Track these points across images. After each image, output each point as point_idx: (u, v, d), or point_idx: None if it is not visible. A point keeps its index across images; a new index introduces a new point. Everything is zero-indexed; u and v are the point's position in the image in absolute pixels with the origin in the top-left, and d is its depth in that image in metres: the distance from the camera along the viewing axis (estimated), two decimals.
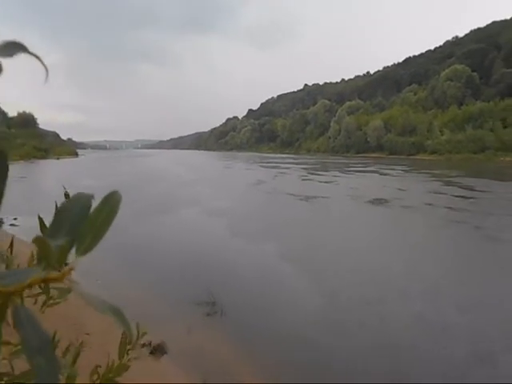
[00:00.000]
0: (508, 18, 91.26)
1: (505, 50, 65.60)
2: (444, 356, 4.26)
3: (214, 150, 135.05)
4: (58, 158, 54.86)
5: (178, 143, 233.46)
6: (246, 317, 5.22)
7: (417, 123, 64.53)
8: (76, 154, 71.98)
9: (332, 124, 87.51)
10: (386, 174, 28.73)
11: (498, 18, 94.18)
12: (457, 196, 16.01)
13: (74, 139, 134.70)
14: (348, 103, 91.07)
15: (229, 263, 7.66)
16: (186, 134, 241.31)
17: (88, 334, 4.05)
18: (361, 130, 76.90)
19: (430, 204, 13.97)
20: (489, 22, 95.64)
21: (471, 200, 15.05)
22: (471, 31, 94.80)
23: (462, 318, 5.17)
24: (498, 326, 4.92)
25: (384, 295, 5.89)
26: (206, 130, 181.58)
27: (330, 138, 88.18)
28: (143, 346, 4.07)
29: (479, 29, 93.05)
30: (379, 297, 5.87)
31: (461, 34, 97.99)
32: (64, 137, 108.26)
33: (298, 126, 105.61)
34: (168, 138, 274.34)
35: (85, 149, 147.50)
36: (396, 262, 7.76)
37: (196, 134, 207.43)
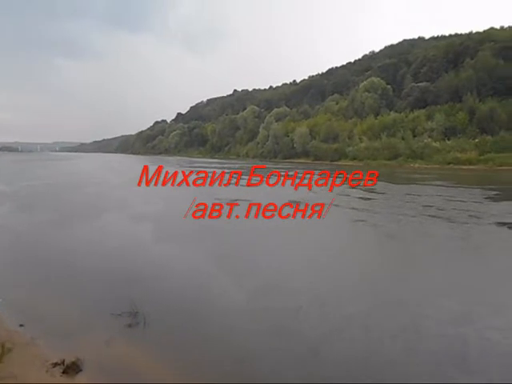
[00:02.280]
0: (416, 37, 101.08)
1: (414, 66, 71.84)
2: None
3: (141, 154, 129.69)
4: None
5: (102, 146, 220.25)
6: (169, 325, 5.06)
7: (339, 131, 67.85)
8: None
9: (261, 130, 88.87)
10: (306, 178, 29.99)
11: (408, 37, 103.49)
12: (360, 198, 17.82)
13: None
14: (276, 110, 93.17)
15: (154, 270, 7.43)
16: (111, 136, 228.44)
17: None
18: (288, 136, 78.96)
19: (337, 205, 15.32)
20: (400, 39, 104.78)
21: (371, 201, 16.91)
22: (385, 47, 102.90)
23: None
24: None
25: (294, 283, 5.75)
26: (133, 133, 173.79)
27: (258, 143, 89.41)
28: (55, 365, 3.80)
29: (392, 45, 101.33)
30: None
31: (377, 49, 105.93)
32: None
33: (228, 131, 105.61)
34: (91, 141, 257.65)
35: None
36: (300, 255, 8.61)
37: (122, 136, 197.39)
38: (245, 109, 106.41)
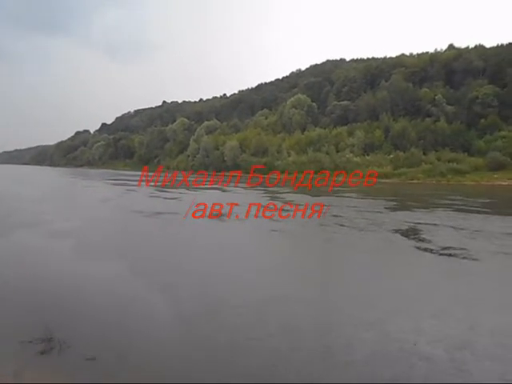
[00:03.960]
0: (338, 58, 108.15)
1: (336, 85, 76.50)
2: None
3: (60, 166, 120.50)
4: None
5: (13, 157, 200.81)
6: (87, 350, 4.60)
7: (268, 145, 69.43)
8: None
9: (191, 142, 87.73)
10: (227, 191, 30.84)
11: (331, 58, 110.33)
12: (277, 209, 19.01)
13: None
14: (206, 123, 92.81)
15: (72, 289, 6.90)
16: (24, 146, 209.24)
17: None
18: (218, 149, 78.86)
19: (257, 216, 16.36)
20: (324, 59, 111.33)
21: (287, 212, 18.14)
22: (311, 66, 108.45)
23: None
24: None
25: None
26: (51, 143, 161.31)
27: (189, 156, 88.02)
28: None
29: (317, 65, 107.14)
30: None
31: (303, 68, 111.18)
32: None
33: (157, 143, 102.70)
34: (0, 151, 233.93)
35: None
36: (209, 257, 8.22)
37: (38, 147, 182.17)
38: (174, 121, 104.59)
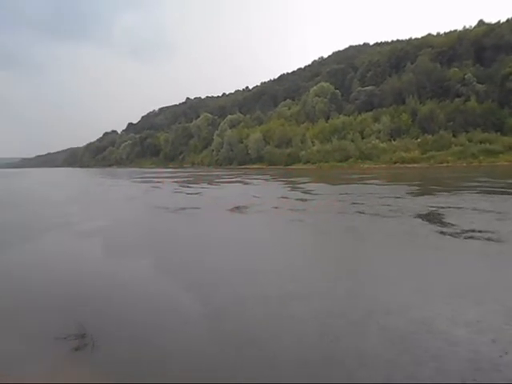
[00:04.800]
0: (361, 43, 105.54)
1: (360, 70, 74.64)
2: None
3: (90, 167, 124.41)
4: None
5: (47, 160, 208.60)
6: (119, 346, 4.69)
7: (292, 135, 68.80)
8: None
9: (215, 137, 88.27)
10: (248, 184, 30.55)
11: (354, 43, 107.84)
12: (297, 199, 18.84)
13: None
14: (229, 117, 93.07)
15: (102, 287, 6.99)
16: (56, 150, 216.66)
17: None
18: (242, 142, 78.93)
19: (276, 207, 16.22)
20: (346, 45, 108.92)
21: (308, 202, 17.97)
22: (333, 53, 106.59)
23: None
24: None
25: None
26: (81, 145, 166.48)
27: (213, 150, 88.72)
28: None
29: (339, 51, 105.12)
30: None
31: (325, 55, 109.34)
32: None
33: (181, 140, 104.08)
34: (34, 155, 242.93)
35: None
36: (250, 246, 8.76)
37: (69, 149, 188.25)
38: (198, 117, 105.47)
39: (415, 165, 44.22)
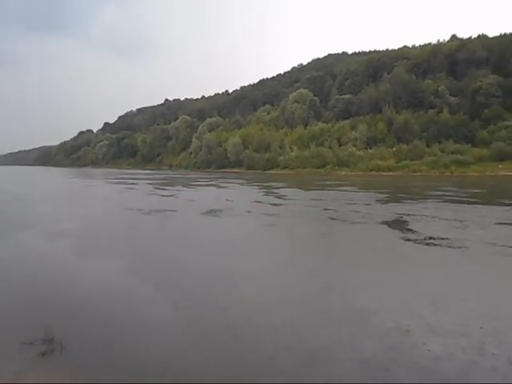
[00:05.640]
0: (340, 52, 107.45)
1: (338, 78, 75.93)
2: None
3: (64, 166, 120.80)
4: None
5: (18, 158, 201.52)
6: (88, 350, 4.62)
7: (271, 140, 69.04)
8: None
9: (193, 140, 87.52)
10: (223, 187, 30.84)
11: (333, 52, 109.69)
12: (271, 204, 19.32)
13: None
14: (208, 120, 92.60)
15: (72, 290, 6.83)
16: (28, 147, 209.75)
17: None
18: (221, 146, 78.65)
19: (249, 211, 16.54)
20: (326, 53, 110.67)
21: (280, 206, 18.54)
22: (312, 60, 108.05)
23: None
24: None
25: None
26: (55, 143, 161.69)
27: (191, 153, 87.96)
28: None
29: (319, 59, 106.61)
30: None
31: (304, 62, 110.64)
32: None
33: (159, 141, 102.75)
34: (4, 153, 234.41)
35: None
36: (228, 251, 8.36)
37: (42, 147, 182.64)
38: (177, 118, 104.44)
39: (390, 173, 45.29)
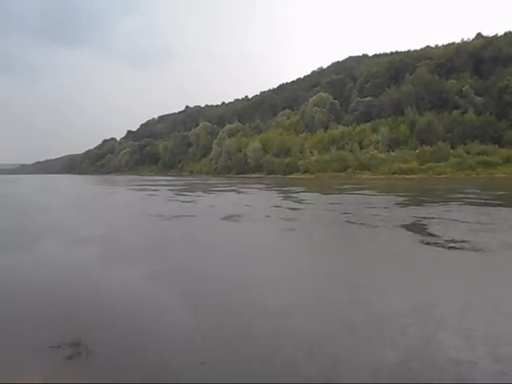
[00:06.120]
0: (361, 54, 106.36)
1: (359, 81, 75.08)
2: None
3: (89, 174, 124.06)
4: None
5: (45, 167, 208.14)
6: (113, 355, 4.67)
7: (290, 145, 68.89)
8: None
9: (214, 146, 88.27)
10: (243, 193, 30.76)
11: (353, 54, 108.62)
12: (289, 208, 19.14)
13: None
14: (228, 126, 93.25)
15: (97, 296, 6.92)
16: (55, 156, 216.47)
17: None
18: (241, 151, 79.01)
19: (268, 216, 16.49)
20: (346, 56, 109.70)
21: (299, 211, 18.33)
22: (332, 63, 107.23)
23: None
24: None
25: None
26: (80, 152, 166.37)
27: (212, 159, 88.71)
28: None
29: (338, 62, 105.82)
30: None
31: (324, 66, 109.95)
32: None
33: (180, 148, 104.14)
34: (33, 162, 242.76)
35: None
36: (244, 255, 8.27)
37: (68, 156, 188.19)
38: (197, 125, 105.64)
39: (413, 176, 44.22)
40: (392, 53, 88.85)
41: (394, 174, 47.51)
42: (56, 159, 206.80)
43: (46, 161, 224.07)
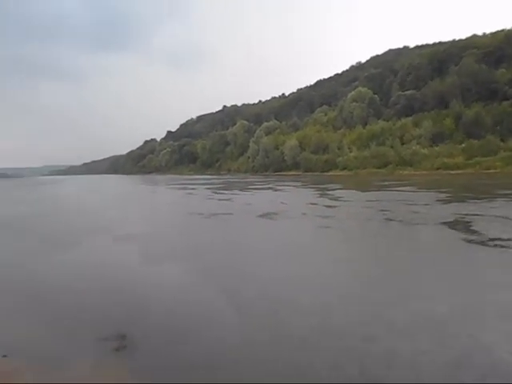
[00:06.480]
0: (401, 46, 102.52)
1: (400, 74, 72.41)
2: None
3: (132, 174, 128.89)
4: None
5: (92, 168, 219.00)
6: (158, 348, 4.89)
7: (328, 142, 67.81)
8: None
9: (251, 144, 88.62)
10: (279, 190, 30.64)
11: (393, 47, 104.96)
12: (326, 205, 18.90)
13: None
14: (265, 124, 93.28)
15: (142, 291, 7.18)
16: (100, 157, 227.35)
17: None
18: (278, 149, 78.79)
19: (304, 214, 16.34)
20: (386, 49, 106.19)
21: (335, 208, 18.07)
22: (371, 57, 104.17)
23: None
24: None
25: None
26: (123, 153, 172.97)
27: (249, 157, 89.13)
28: None
29: (378, 55, 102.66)
30: None
31: (363, 60, 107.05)
32: None
33: (218, 147, 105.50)
34: (81, 163, 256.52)
35: None
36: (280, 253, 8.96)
37: (112, 157, 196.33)
38: (234, 124, 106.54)
39: (459, 171, 42.03)
40: (435, 43, 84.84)
41: (437, 169, 45.42)
42: (101, 160, 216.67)
43: (92, 162, 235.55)
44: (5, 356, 4.80)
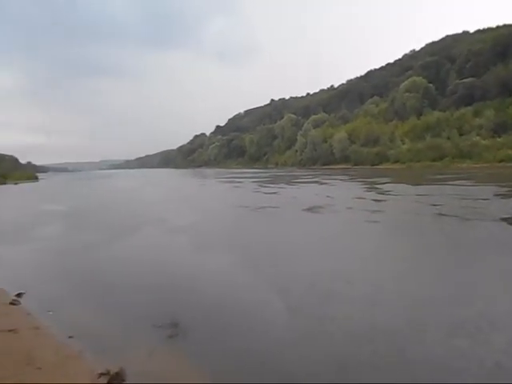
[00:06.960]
0: (460, 31, 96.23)
1: (458, 62, 68.22)
2: None
3: (182, 168, 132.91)
4: (15, 183, 52.81)
5: (145, 162, 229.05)
6: (209, 337, 5.01)
7: (379, 134, 65.67)
8: (36, 178, 69.01)
9: (298, 137, 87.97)
10: (325, 184, 29.95)
11: (451, 32, 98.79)
12: (374, 200, 18.33)
13: (33, 162, 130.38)
14: (313, 116, 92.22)
15: (194, 281, 7.39)
16: (153, 152, 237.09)
17: (40, 368, 4.04)
18: (326, 142, 77.59)
19: (350, 208, 16.05)
20: (442, 35, 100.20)
21: (384, 202, 17.48)
22: (426, 45, 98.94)
23: None
24: None
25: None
26: (174, 147, 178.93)
27: (297, 151, 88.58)
28: (100, 376, 3.93)
29: (434, 42, 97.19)
30: None
31: (417, 48, 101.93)
32: (23, 160, 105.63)
33: (266, 141, 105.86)
34: (135, 158, 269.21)
35: (45, 172, 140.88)
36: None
37: (164, 152, 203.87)
38: (282, 117, 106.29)
39: None
40: (498, 27, 78.57)
41: (500, 161, 42.26)
42: (153, 154, 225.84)
43: (145, 156, 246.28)
44: (71, 337, 5.11)
